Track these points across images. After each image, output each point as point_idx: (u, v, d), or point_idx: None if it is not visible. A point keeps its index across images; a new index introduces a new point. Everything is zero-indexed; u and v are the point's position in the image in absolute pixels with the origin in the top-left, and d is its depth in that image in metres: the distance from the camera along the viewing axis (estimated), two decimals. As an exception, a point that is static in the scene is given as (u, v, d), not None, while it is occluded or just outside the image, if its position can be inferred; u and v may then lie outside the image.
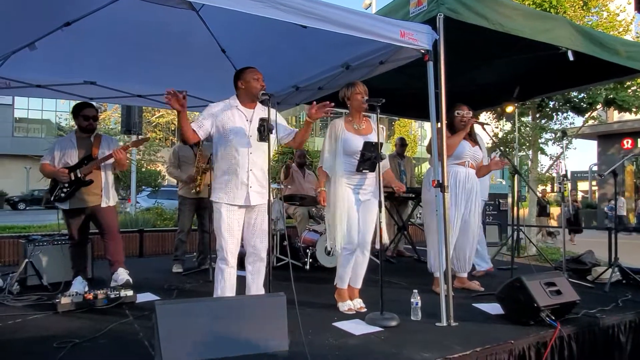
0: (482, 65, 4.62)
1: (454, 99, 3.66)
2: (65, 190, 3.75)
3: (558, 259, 6.38)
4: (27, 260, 3.93)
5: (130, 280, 3.69)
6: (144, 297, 3.54)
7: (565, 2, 8.15)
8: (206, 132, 2.93)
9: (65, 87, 4.38)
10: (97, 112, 4.04)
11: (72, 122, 4.15)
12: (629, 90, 9.11)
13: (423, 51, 3.06)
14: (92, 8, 2.83)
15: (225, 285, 2.90)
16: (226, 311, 2.09)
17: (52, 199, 3.80)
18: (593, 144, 17.14)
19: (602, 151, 16.63)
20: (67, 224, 3.90)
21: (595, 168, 17.51)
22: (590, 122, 10.79)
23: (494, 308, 3.22)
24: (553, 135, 10.21)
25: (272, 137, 2.82)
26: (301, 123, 33.25)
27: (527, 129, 10.01)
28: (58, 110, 23.97)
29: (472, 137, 3.89)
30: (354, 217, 3.17)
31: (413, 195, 5.62)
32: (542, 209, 12.82)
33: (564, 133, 7.49)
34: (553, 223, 14.08)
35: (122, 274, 3.74)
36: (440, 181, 3.02)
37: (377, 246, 3.12)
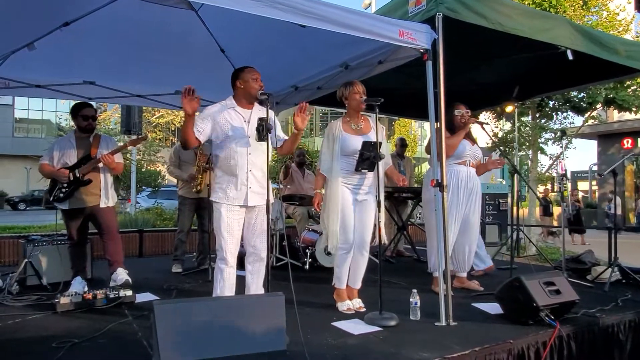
0: (481, 64, 4.62)
1: (454, 99, 3.66)
2: (64, 190, 3.75)
3: (558, 258, 6.38)
4: (26, 260, 3.93)
5: (130, 280, 3.70)
6: (144, 297, 3.53)
7: (565, 2, 8.14)
8: (207, 136, 2.94)
9: (64, 87, 4.37)
10: (96, 112, 4.05)
11: (72, 123, 4.14)
12: (629, 90, 9.10)
13: (422, 50, 3.05)
14: (91, 8, 2.83)
15: (225, 285, 2.89)
16: (224, 311, 2.09)
17: (51, 199, 3.80)
18: (593, 144, 17.13)
19: (602, 151, 16.62)
20: (66, 224, 3.90)
21: (595, 168, 17.51)
22: (590, 121, 10.78)
23: (493, 308, 3.21)
24: (553, 135, 10.21)
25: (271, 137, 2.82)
26: (301, 123, 33.31)
27: (527, 128, 10.00)
28: (58, 111, 23.94)
29: (470, 136, 3.89)
30: (349, 216, 3.16)
31: (413, 195, 5.63)
32: (545, 209, 12.82)
33: (564, 133, 7.48)
34: (554, 223, 14.08)
35: (122, 274, 3.74)
36: (440, 181, 3.02)
37: (376, 244, 3.11)
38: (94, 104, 4.24)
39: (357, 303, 3.26)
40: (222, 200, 2.90)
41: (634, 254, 6.07)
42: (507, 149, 10.02)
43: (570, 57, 3.52)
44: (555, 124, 10.19)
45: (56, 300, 3.16)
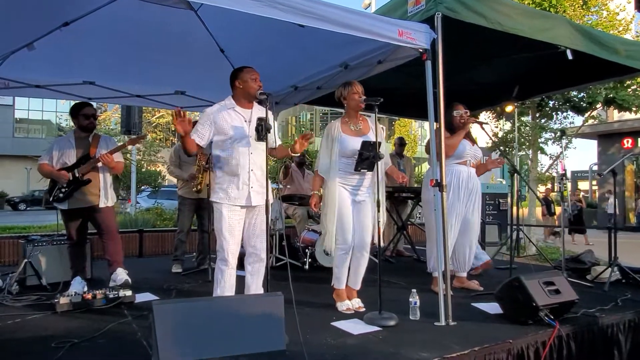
0: (481, 64, 4.62)
1: (453, 98, 3.65)
2: (63, 190, 3.76)
3: (558, 258, 6.37)
4: (26, 260, 3.93)
5: (129, 280, 3.70)
6: (143, 297, 3.54)
7: (565, 1, 8.15)
8: (207, 140, 2.95)
9: (64, 87, 4.38)
10: (96, 111, 4.05)
11: (72, 123, 4.14)
12: (629, 90, 9.11)
13: (421, 50, 3.05)
14: (91, 8, 2.83)
15: (225, 285, 2.89)
16: (223, 311, 2.09)
17: (50, 199, 3.80)
18: (593, 144, 17.13)
19: (602, 151, 16.61)
20: (66, 224, 3.90)
21: (595, 167, 17.50)
22: (590, 121, 10.78)
23: (492, 307, 3.21)
24: (553, 134, 10.21)
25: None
26: (302, 123, 33.36)
27: (527, 128, 10.01)
28: (59, 111, 23.96)
29: (470, 137, 3.89)
30: (347, 216, 3.15)
31: (412, 195, 5.62)
32: (548, 208, 12.83)
33: (563, 132, 7.48)
34: (557, 222, 14.08)
35: (121, 274, 3.74)
36: (439, 181, 3.02)
37: (376, 244, 3.11)
38: (94, 104, 4.23)
39: (356, 303, 3.26)
40: (223, 200, 2.90)
41: (633, 253, 6.07)
42: (507, 149, 10.02)
43: (570, 56, 3.52)
44: (555, 123, 10.21)
45: (56, 301, 3.16)
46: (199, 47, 3.92)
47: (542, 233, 12.42)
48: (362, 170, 3.15)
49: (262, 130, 2.69)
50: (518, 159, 10.04)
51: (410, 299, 3.02)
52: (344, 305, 3.20)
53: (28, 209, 24.29)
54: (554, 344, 2.71)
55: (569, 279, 3.43)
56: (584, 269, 4.49)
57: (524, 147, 10.09)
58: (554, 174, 10.55)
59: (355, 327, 2.81)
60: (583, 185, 24.23)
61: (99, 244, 3.96)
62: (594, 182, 21.14)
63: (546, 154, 10.29)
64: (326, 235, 3.16)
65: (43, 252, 4.07)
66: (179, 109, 2.73)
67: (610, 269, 4.10)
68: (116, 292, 3.32)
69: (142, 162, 18.01)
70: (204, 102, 4.79)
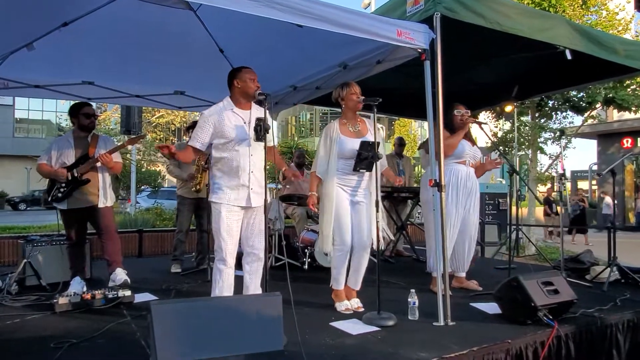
0: (480, 64, 4.62)
1: (453, 98, 3.65)
2: (62, 190, 3.76)
3: (557, 258, 6.38)
4: (25, 260, 3.93)
5: (128, 280, 3.70)
6: (142, 297, 3.54)
7: (564, 1, 8.15)
8: (207, 144, 2.94)
9: (63, 87, 4.38)
10: (95, 111, 4.05)
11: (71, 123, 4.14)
12: (629, 89, 9.11)
13: (420, 50, 3.06)
14: (90, 8, 2.83)
15: (224, 285, 2.89)
16: (221, 311, 2.09)
17: (49, 199, 3.80)
18: (593, 143, 17.14)
19: (602, 150, 16.62)
20: (65, 224, 3.90)
21: (595, 167, 17.50)
22: (590, 121, 10.78)
23: (491, 307, 3.21)
24: (552, 134, 10.21)
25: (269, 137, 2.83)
26: (301, 123, 33.38)
27: (527, 128, 10.01)
28: (59, 111, 23.98)
29: (469, 137, 3.89)
30: (345, 217, 3.14)
31: (412, 195, 5.63)
32: (549, 208, 12.85)
33: (562, 132, 7.48)
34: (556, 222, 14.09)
35: (120, 274, 3.74)
36: (437, 180, 3.02)
37: (375, 246, 3.11)
38: (93, 104, 4.24)
39: (355, 303, 3.26)
40: (222, 201, 2.89)
41: (633, 253, 6.07)
42: (506, 149, 10.02)
43: (569, 56, 3.52)
44: (554, 123, 10.21)
45: (55, 301, 3.16)
46: (198, 47, 3.92)
47: (541, 233, 12.43)
48: (360, 171, 3.15)
49: (260, 130, 2.69)
50: (517, 158, 10.05)
51: (409, 299, 3.02)
52: (342, 306, 3.20)
53: (28, 209, 24.30)
54: (553, 344, 2.71)
55: (568, 279, 3.44)
56: (583, 269, 4.48)
57: (523, 147, 10.09)
58: (554, 174, 10.55)
59: (354, 327, 2.81)
60: (583, 185, 24.23)
61: (98, 244, 3.96)
62: (594, 182, 21.14)
63: (546, 154, 10.30)
64: (321, 235, 3.16)
65: (42, 252, 4.07)
66: (158, 146, 3.08)
67: (609, 269, 4.10)
68: (115, 292, 3.32)
69: (142, 162, 18.02)
70: (203, 102, 4.80)
